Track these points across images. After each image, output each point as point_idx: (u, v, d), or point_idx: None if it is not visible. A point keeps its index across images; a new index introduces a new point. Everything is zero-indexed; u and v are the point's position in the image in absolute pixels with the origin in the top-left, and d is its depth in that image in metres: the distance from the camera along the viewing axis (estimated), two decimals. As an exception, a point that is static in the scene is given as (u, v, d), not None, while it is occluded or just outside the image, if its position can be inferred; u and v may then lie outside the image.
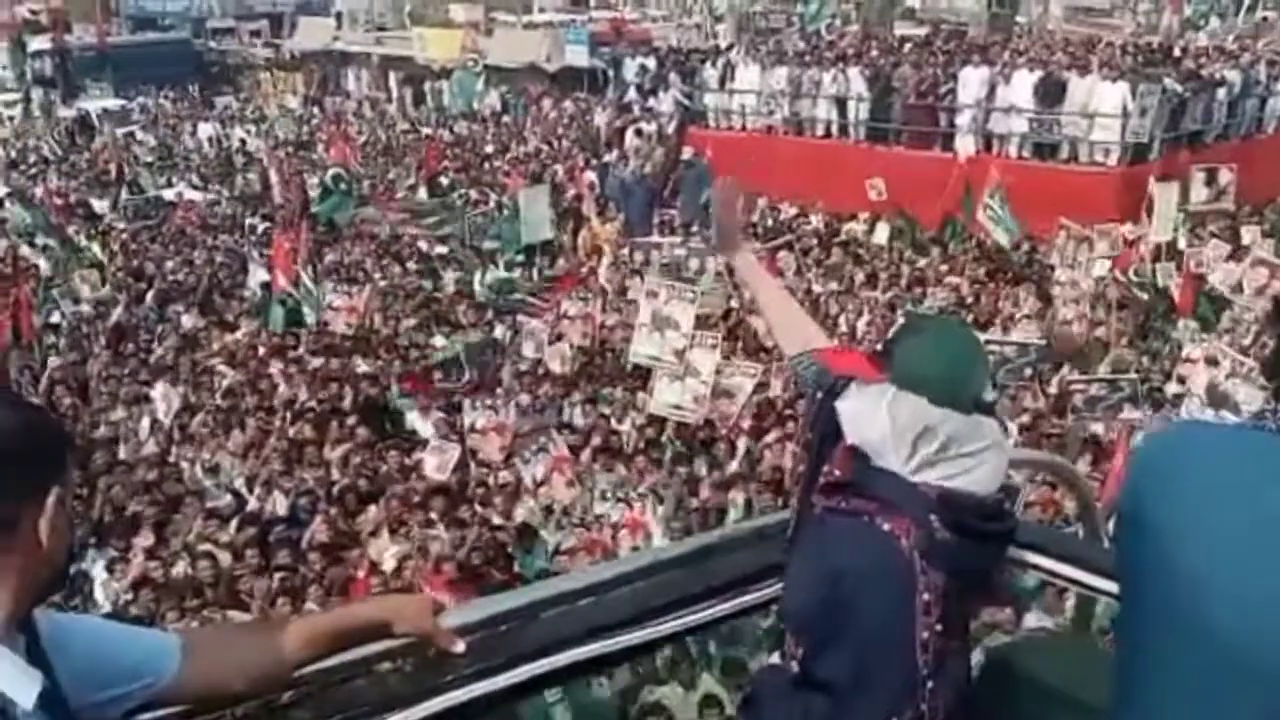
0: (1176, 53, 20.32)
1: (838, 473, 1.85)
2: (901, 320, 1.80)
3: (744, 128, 19.56)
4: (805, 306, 11.77)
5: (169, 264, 15.17)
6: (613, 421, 9.17)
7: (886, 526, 1.76)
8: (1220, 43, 23.23)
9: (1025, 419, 8.56)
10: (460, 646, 1.66)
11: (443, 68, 29.29)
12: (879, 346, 1.95)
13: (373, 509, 7.63)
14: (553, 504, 7.65)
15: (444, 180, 19.55)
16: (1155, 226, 13.26)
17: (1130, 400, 8.79)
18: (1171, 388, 9.03)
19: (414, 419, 9.46)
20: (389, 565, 6.83)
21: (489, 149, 23.03)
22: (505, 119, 26.64)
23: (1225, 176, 14.58)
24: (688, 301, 8.93)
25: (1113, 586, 2.01)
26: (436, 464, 8.34)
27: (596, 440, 8.59)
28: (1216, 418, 7.71)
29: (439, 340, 11.26)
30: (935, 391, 1.77)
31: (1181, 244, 13.35)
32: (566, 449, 7.99)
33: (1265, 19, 27.39)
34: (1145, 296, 11.99)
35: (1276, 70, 19.13)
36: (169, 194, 19.68)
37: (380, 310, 12.42)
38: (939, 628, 1.75)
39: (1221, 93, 17.49)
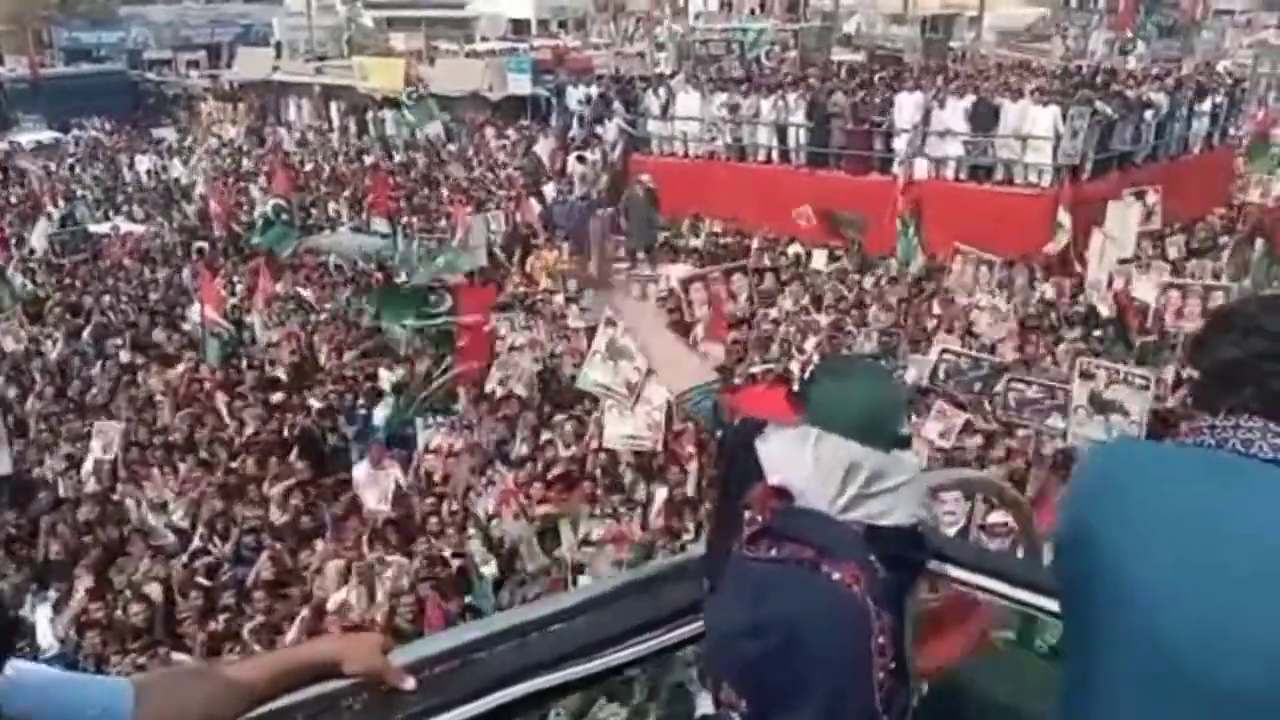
0: (1105, 77, 20.95)
1: (760, 517, 1.86)
2: (817, 362, 1.81)
3: (686, 154, 19.75)
4: (764, 329, 11.94)
5: (106, 299, 14.90)
6: (562, 448, 9.13)
7: (836, 575, 1.76)
8: (1147, 67, 23.96)
9: (979, 439, 8.69)
10: (410, 683, 1.66)
11: (385, 97, 29.22)
12: (795, 388, 1.98)
13: (319, 545, 7.52)
14: (503, 536, 7.61)
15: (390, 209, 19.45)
16: (1113, 238, 13.72)
17: (1059, 409, 9.01)
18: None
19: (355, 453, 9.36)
20: (335, 602, 6.74)
21: (441, 176, 22.99)
22: (450, 148, 26.60)
23: (1152, 198, 15.02)
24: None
25: (1053, 604, 2.06)
26: (377, 495, 8.26)
27: (556, 470, 8.54)
28: (1107, 424, 7.98)
29: (384, 373, 11.15)
30: (857, 431, 1.81)
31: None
32: (513, 481, 7.95)
33: (1190, 44, 28.29)
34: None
35: (1201, 92, 19.79)
36: (105, 227, 19.35)
37: (326, 341, 12.29)
38: (891, 666, 1.77)
39: (1149, 115, 18.01)
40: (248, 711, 1.55)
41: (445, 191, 21.07)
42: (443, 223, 17.56)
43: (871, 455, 1.81)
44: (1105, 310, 12.12)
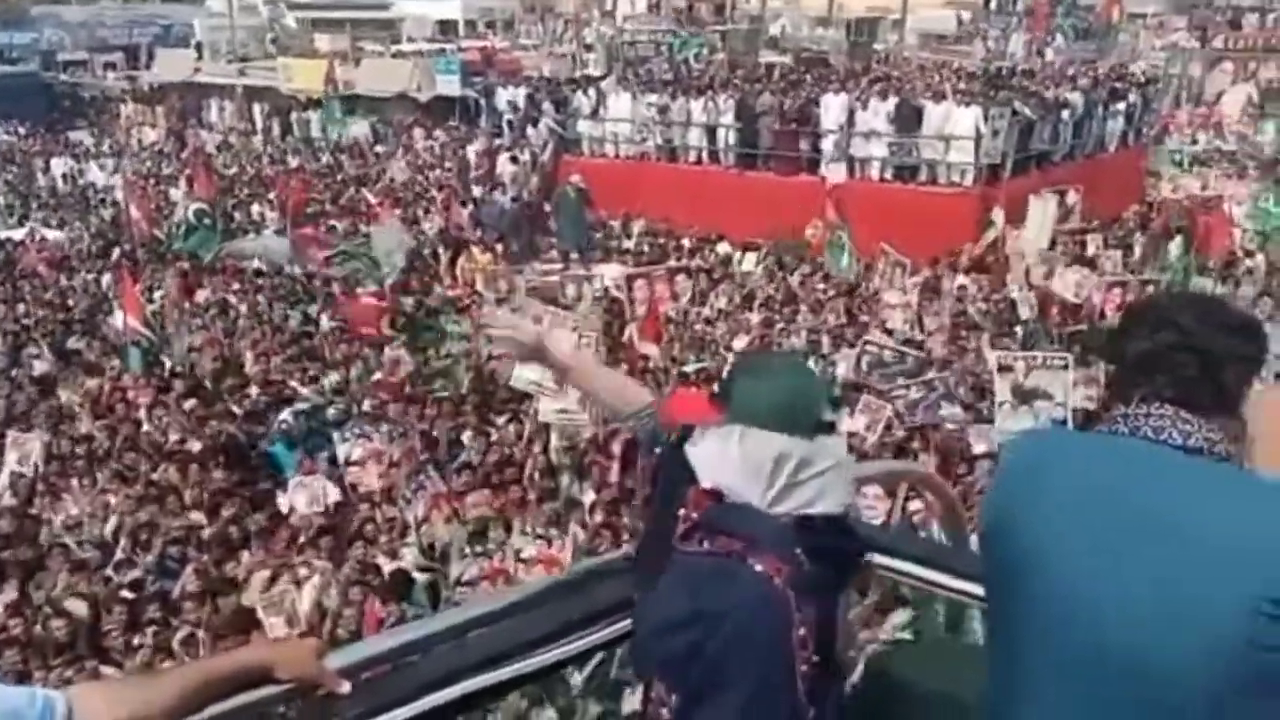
0: (1023, 78, 21.47)
1: (694, 515, 1.88)
2: (732, 362, 1.84)
3: (618, 155, 19.78)
4: (696, 329, 12.00)
5: (21, 306, 14.45)
6: (498, 450, 9.09)
7: (759, 568, 1.79)
8: (1063, 68, 24.58)
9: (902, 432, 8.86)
10: (345, 688, 1.65)
11: (309, 98, 28.77)
12: (715, 389, 2.02)
13: (246, 555, 7.39)
14: (434, 542, 7.54)
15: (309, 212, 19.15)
16: (1031, 236, 14.05)
17: (945, 399, 9.26)
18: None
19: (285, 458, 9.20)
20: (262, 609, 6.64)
21: (369, 178, 22.71)
22: (377, 149, 26.29)
23: (1073, 197, 15.42)
24: (569, 329, 8.98)
25: (979, 589, 2.11)
26: (306, 499, 8.13)
27: (489, 470, 8.49)
28: (1033, 412, 8.21)
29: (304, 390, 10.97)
30: (779, 421, 1.84)
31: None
32: (443, 485, 7.88)
33: (1104, 46, 29.09)
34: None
35: (1115, 93, 20.39)
36: (19, 233, 18.75)
37: (250, 347, 12.07)
38: (815, 659, 1.79)
39: (1066, 115, 18.49)
40: (181, 719, 1.52)
41: (367, 194, 20.80)
42: (365, 226, 17.30)
43: (797, 444, 1.84)
44: (1026, 309, 12.42)
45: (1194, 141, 23.37)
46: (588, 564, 2.26)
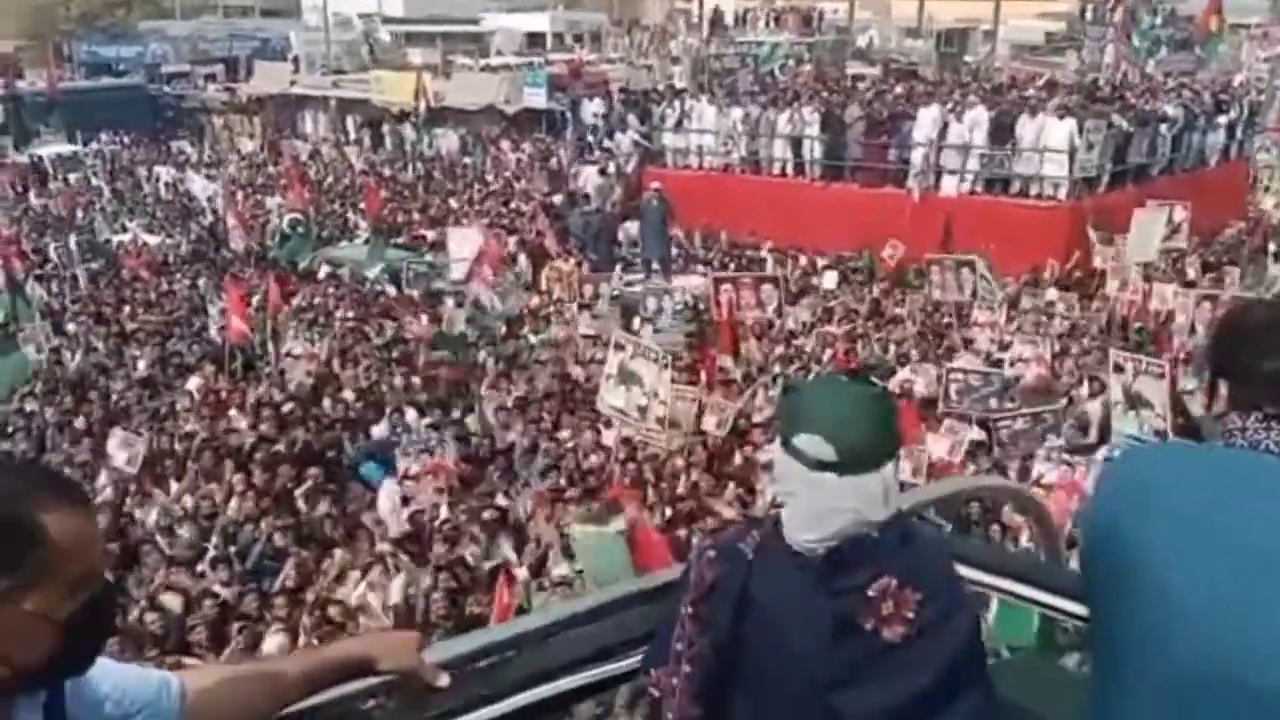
0: (1120, 89, 20.92)
1: None
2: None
3: (701, 166, 19.81)
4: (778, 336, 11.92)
5: (126, 309, 15.02)
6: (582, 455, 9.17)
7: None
8: (1162, 79, 23.91)
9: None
10: (445, 680, 1.68)
11: (401, 110, 29.40)
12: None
13: (338, 553, 7.56)
14: (539, 538, 7.59)
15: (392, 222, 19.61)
16: (1134, 249, 13.72)
17: (1052, 430, 9.10)
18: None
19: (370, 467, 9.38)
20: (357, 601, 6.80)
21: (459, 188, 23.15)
22: (466, 160, 26.75)
23: (1180, 214, 14.97)
24: (652, 360, 9.00)
25: (1076, 608, 2.07)
26: (390, 506, 8.28)
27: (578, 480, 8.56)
28: (1138, 419, 8.07)
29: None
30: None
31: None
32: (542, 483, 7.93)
33: (1200, 56, 28.21)
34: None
35: (1217, 105, 19.75)
36: (124, 238, 19.50)
37: (339, 355, 12.34)
38: None
39: (1164, 127, 17.99)
40: (285, 708, 1.58)
41: (454, 204, 21.18)
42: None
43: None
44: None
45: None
46: (667, 574, 2.26)
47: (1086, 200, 16.12)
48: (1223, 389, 1.64)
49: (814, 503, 1.67)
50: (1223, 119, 19.69)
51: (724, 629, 1.75)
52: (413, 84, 28.87)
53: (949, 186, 16.66)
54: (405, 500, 8.34)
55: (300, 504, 8.47)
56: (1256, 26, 37.31)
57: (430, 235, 18.18)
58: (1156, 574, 1.54)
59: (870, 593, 1.63)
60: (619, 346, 9.20)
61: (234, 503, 8.41)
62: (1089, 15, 30.95)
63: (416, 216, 20.58)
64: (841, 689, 1.65)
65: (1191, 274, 14.40)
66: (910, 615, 1.63)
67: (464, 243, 15.16)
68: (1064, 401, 10.33)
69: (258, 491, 8.56)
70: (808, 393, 1.76)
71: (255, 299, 14.47)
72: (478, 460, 9.08)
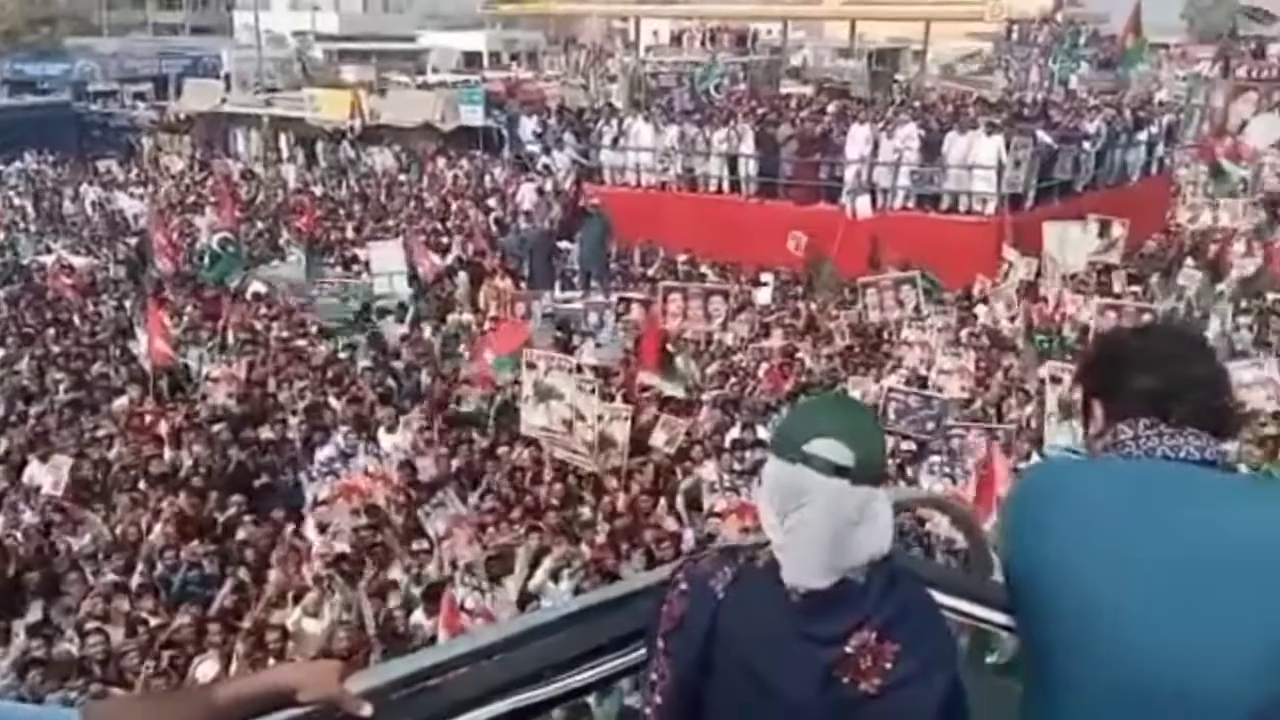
0: (1045, 107, 21.44)
1: None
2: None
3: (638, 184, 19.89)
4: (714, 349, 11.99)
5: (50, 331, 14.61)
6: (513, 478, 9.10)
7: None
8: (1086, 97, 24.56)
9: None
10: (368, 710, 1.63)
11: (336, 128, 29.13)
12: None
13: (273, 576, 7.41)
14: (455, 560, 7.52)
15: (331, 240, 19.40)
16: (1061, 261, 14.01)
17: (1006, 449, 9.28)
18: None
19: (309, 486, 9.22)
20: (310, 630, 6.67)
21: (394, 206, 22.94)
22: (402, 178, 26.56)
23: (1118, 230, 15.31)
24: (568, 372, 8.96)
25: (1003, 618, 2.09)
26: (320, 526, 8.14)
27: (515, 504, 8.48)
28: (1072, 428, 8.26)
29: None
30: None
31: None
32: (463, 506, 7.87)
33: (1126, 76, 29.06)
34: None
35: (1138, 122, 20.34)
36: (48, 259, 18.99)
37: (274, 374, 12.13)
38: None
39: (1088, 144, 18.46)
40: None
41: (389, 222, 21.00)
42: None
43: None
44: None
45: (1222, 174, 23.26)
46: (618, 587, 2.24)
47: (1013, 216, 16.45)
48: (1098, 409, 1.75)
49: (831, 518, 1.60)
50: (1144, 136, 20.27)
51: (690, 664, 1.73)
52: (347, 102, 28.60)
53: (864, 208, 16.83)
54: (322, 527, 8.19)
55: (228, 528, 8.29)
56: (1175, 46, 38.57)
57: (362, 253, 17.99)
58: (1076, 585, 1.58)
59: (849, 649, 1.60)
60: (530, 365, 9.15)
61: (158, 528, 8.20)
62: (1014, 36, 31.67)
63: (351, 234, 20.36)
64: None
65: (1118, 286, 14.77)
66: (888, 667, 1.60)
67: (387, 258, 15.12)
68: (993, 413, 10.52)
69: (183, 516, 8.37)
70: (817, 404, 1.76)
71: (184, 320, 14.22)
72: (409, 483, 8.95)
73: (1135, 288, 14.79)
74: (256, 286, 16.10)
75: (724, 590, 1.71)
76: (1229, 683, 1.44)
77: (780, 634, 1.64)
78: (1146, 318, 11.42)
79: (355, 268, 17.44)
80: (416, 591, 7.20)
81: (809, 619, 1.63)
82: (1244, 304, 14.14)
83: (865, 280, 13.65)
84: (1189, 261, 15.83)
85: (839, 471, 1.59)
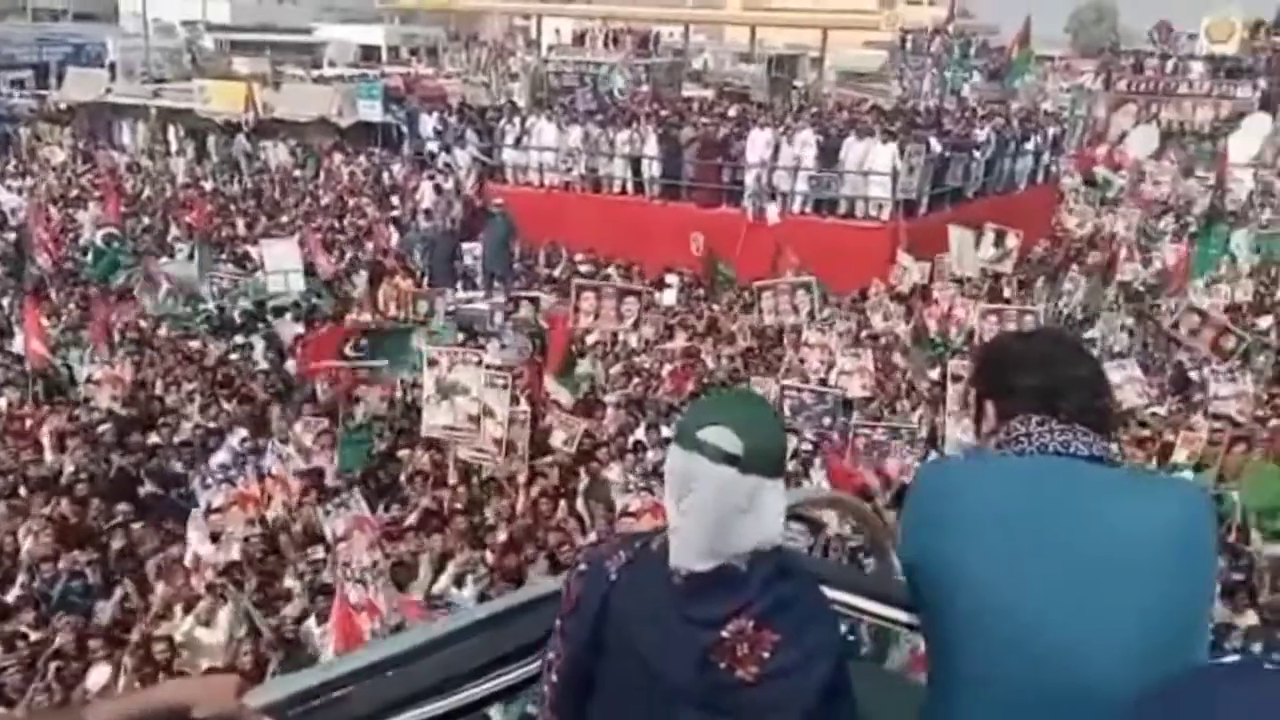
0: (938, 115, 22.07)
1: None
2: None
3: (542, 184, 19.81)
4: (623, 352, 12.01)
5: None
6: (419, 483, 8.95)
7: None
8: (976, 106, 25.36)
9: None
10: (267, 726, 1.59)
11: (227, 121, 28.28)
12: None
13: (160, 588, 7.15)
14: (351, 563, 7.34)
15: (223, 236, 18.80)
16: (956, 263, 14.38)
17: (908, 445, 9.51)
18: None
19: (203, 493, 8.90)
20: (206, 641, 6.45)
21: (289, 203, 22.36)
22: (297, 174, 25.93)
23: (1013, 241, 15.81)
24: (473, 364, 8.80)
25: (905, 616, 2.14)
26: (198, 538, 7.87)
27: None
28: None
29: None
30: None
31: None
32: (366, 508, 7.68)
33: (1013, 87, 30.11)
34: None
35: (1025, 131, 21.09)
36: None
37: (161, 376, 11.71)
38: None
39: (978, 152, 19.05)
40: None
41: (284, 219, 20.50)
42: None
43: None
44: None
45: (1104, 181, 24.28)
46: (522, 592, 2.22)
47: (907, 222, 16.89)
48: (990, 409, 1.83)
49: (717, 503, 1.61)
50: (1031, 145, 21.02)
51: (581, 644, 1.76)
52: (239, 94, 27.78)
53: (773, 214, 17.10)
54: (215, 536, 7.93)
55: (113, 538, 7.96)
56: (1060, 59, 40.13)
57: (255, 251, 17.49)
58: (974, 581, 1.64)
59: (725, 634, 1.61)
60: (432, 361, 8.96)
61: (32, 539, 7.83)
62: (909, 45, 32.53)
63: (243, 231, 19.78)
64: (701, 714, 1.65)
65: (1008, 292, 15.29)
66: (765, 656, 1.60)
67: (281, 256, 14.76)
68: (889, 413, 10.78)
69: (64, 525, 8.01)
70: (719, 397, 1.80)
71: (64, 319, 13.63)
72: (309, 486, 8.72)
73: (1023, 292, 15.33)
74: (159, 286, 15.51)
75: (617, 572, 1.75)
76: (1114, 671, 1.52)
77: (663, 615, 1.67)
78: (1029, 320, 11.84)
79: (248, 265, 16.94)
80: (311, 599, 7.03)
81: (689, 601, 1.64)
82: (1126, 308, 14.77)
83: (762, 284, 13.85)
84: (1075, 267, 16.48)
85: (728, 459, 1.61)
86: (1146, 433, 9.50)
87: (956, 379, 9.05)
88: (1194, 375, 11.86)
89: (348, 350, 10.36)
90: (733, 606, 1.62)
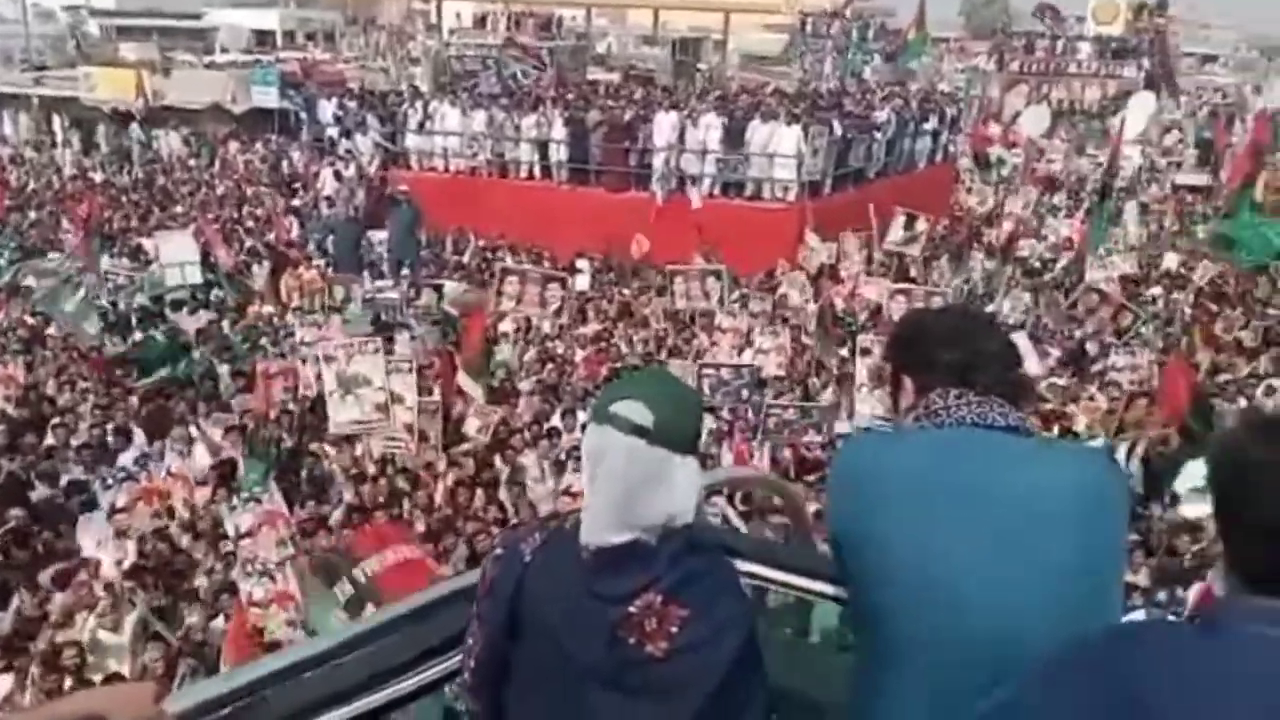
0: (839, 97, 22.40)
1: None
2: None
3: (447, 169, 19.55)
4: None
5: None
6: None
7: None
8: (875, 88, 25.81)
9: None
10: (186, 732, 1.54)
11: (115, 109, 27.24)
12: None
13: (58, 596, 6.88)
14: (255, 558, 7.15)
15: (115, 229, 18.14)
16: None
17: (815, 427, 9.68)
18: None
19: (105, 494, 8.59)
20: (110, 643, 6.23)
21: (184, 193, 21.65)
22: (192, 163, 25.14)
23: (922, 225, 16.13)
24: (372, 353, 8.65)
25: (829, 588, 2.17)
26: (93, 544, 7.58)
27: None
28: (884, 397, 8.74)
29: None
30: None
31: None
32: (282, 502, 7.49)
33: (910, 68, 30.72)
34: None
35: (923, 112, 21.53)
36: None
37: (54, 376, 11.25)
38: None
39: (879, 133, 19.39)
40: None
41: (179, 209, 19.87)
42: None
43: None
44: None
45: (999, 160, 24.95)
46: (445, 585, 2.19)
47: (813, 202, 17.12)
48: (908, 383, 1.87)
49: (625, 474, 1.62)
50: (929, 125, 21.47)
51: (497, 626, 1.75)
52: (128, 81, 26.82)
53: (695, 198, 17.19)
54: (119, 533, 7.67)
55: (4, 545, 7.63)
56: (954, 40, 41.07)
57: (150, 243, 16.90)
58: (900, 550, 1.69)
59: (633, 609, 1.62)
60: (329, 358, 8.78)
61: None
62: (809, 28, 32.90)
63: (136, 224, 19.11)
64: (610, 691, 1.65)
65: (913, 271, 15.61)
66: (674, 630, 1.61)
67: (177, 248, 14.32)
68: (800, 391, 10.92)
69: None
70: (631, 375, 1.79)
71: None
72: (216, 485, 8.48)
73: (927, 270, 15.67)
74: (29, 281, 14.84)
75: (532, 553, 1.74)
76: (1035, 629, 1.57)
77: (573, 592, 1.67)
78: (937, 300, 12.12)
79: (143, 258, 16.37)
80: (214, 598, 6.84)
81: (597, 577, 1.65)
82: (1024, 283, 15.19)
83: (675, 268, 13.89)
84: (976, 245, 16.90)
85: (636, 430, 1.62)
86: (1048, 406, 9.80)
87: (866, 352, 9.22)
88: (1091, 347, 12.29)
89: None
90: (641, 582, 1.62)
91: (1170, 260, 15.97)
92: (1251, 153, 14.84)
